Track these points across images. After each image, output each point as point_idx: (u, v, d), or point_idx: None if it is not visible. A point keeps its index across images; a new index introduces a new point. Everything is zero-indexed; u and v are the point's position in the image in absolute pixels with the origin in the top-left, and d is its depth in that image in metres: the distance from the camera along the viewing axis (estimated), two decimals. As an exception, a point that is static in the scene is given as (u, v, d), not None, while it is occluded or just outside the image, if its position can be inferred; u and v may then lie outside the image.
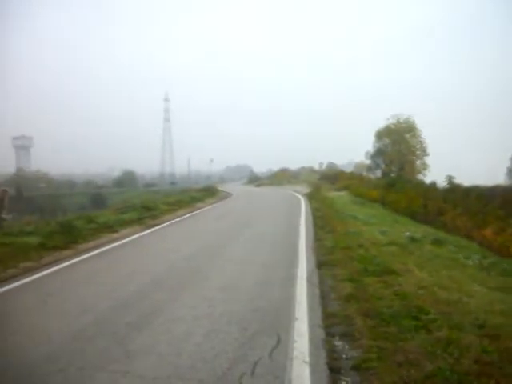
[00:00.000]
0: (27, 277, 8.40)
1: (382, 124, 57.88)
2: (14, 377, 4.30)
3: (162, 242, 12.93)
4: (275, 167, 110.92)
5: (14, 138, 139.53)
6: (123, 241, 12.79)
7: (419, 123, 56.64)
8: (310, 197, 32.00)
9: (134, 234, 14.20)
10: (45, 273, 8.80)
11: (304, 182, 63.59)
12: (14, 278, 8.33)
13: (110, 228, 14.53)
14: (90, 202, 73.03)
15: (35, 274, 8.68)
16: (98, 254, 10.77)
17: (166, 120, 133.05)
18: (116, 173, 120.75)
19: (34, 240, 11.46)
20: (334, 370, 4.34)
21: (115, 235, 13.63)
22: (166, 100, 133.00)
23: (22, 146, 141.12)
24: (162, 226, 16.62)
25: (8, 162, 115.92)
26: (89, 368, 4.37)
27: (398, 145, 56.09)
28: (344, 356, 4.65)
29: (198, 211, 23.33)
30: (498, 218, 18.89)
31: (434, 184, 33.95)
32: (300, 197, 32.92)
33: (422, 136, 56.18)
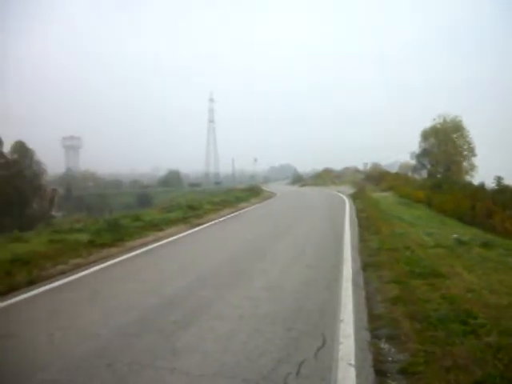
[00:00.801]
0: (76, 273, 8.64)
1: (428, 124, 57.00)
2: (63, 368, 4.42)
3: (206, 241, 13.08)
4: (319, 167, 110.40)
5: (64, 139, 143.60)
6: (169, 239, 13.00)
7: (467, 123, 55.53)
8: (355, 197, 31.74)
9: (179, 232, 14.41)
10: (93, 269, 9.02)
11: (348, 182, 63.02)
12: (63, 274, 8.57)
13: (156, 226, 14.78)
14: (135, 201, 74.48)
15: (84, 270, 8.92)
16: (144, 252, 10.97)
17: (211, 120, 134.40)
18: (161, 172, 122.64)
19: (83, 237, 11.78)
20: (380, 373, 4.28)
21: (161, 234, 13.86)
22: (211, 100, 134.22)
23: (72, 146, 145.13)
24: (206, 225, 16.80)
25: (58, 161, 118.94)
26: (136, 364, 4.44)
27: (445, 145, 55.15)
28: (390, 359, 4.59)
29: (242, 211, 23.50)
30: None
31: (482, 185, 33.16)
32: (344, 197, 32.70)
33: (470, 136, 55.07)
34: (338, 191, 42.19)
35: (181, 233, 14.36)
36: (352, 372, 4.27)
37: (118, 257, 10.27)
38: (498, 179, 29.48)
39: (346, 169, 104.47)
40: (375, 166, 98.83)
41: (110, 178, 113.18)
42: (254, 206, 27.00)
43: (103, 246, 11.18)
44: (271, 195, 39.30)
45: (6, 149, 51.65)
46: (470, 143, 55.29)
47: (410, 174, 61.49)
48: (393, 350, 4.80)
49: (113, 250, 11.02)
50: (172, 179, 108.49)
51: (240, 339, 5.06)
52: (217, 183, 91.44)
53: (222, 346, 4.88)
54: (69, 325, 5.69)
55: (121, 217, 15.70)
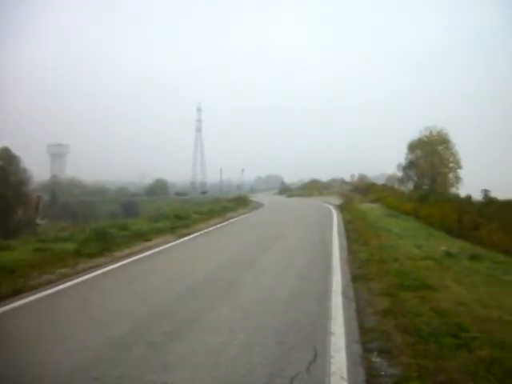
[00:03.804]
0: (63, 283, 8.53)
1: (414, 136, 57.43)
2: (49, 382, 4.33)
3: (195, 251, 13.04)
4: (306, 178, 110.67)
5: (49, 146, 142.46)
6: (157, 249, 12.91)
7: (453, 135, 56.07)
8: (342, 208, 31.81)
9: (167, 242, 14.32)
10: (80, 279, 8.92)
11: (335, 193, 63.20)
12: (50, 283, 8.46)
13: (144, 236, 14.70)
14: (122, 209, 74.00)
15: (71, 280, 8.81)
16: (132, 262, 10.89)
17: (198, 130, 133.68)
18: (148, 181, 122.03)
19: (69, 246, 11.69)
20: (374, 388, 4.25)
21: (149, 243, 13.77)
22: (199, 110, 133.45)
23: (58, 153, 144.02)
24: (194, 235, 16.73)
25: (43, 168, 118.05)
26: (125, 377, 4.35)
27: (431, 157, 55.53)
28: (383, 373, 4.54)
29: (229, 221, 23.45)
30: (536, 233, 18.48)
31: (468, 198, 33.43)
32: (332, 208, 32.74)
33: (456, 148, 55.60)
34: (326, 202, 42.25)
35: (169, 243, 14.27)
36: (345, 387, 4.23)
37: (106, 267, 10.17)
38: (485, 192, 29.78)
39: (333, 180, 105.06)
40: (362, 178, 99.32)
41: (96, 185, 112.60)
42: (241, 216, 26.95)
43: (90, 255, 11.06)
44: (258, 205, 39.27)
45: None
46: (455, 155, 55.79)
47: (396, 185, 61.72)
48: (385, 363, 4.75)
49: (100, 259, 10.90)
50: (158, 188, 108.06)
51: (231, 352, 5.00)
52: (203, 193, 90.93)
53: (214, 359, 4.81)
54: (56, 336, 5.59)
55: (108, 226, 15.54)
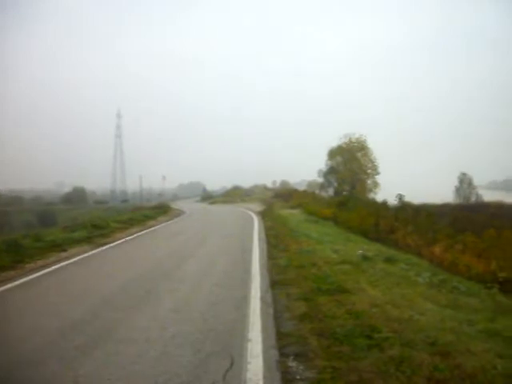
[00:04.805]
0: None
1: (334, 143, 58.87)
2: None
3: (112, 261, 12.73)
4: (228, 185, 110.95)
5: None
6: (72, 260, 12.48)
7: (372, 142, 58.00)
8: (264, 215, 32.06)
9: (83, 253, 13.86)
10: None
11: (257, 199, 63.59)
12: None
13: (59, 247, 14.20)
14: (37, 219, 71.23)
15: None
16: (45, 274, 10.47)
17: (118, 136, 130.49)
18: (66, 189, 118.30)
19: (-23, 259, 11.07)
20: (288, 392, 4.30)
21: (64, 254, 13.30)
22: (118, 116, 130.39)
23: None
24: (112, 244, 16.30)
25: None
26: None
27: (350, 163, 57.10)
28: (298, 377, 4.60)
29: (150, 229, 23.05)
30: (447, 235, 19.37)
31: (385, 202, 34.55)
32: (253, 215, 32.92)
33: (374, 155, 57.48)
34: (247, 208, 42.43)
35: (85, 253, 13.83)
36: (260, 392, 4.25)
37: (17, 280, 9.70)
38: (400, 197, 30.86)
39: (255, 186, 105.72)
40: (284, 184, 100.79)
41: (11, 194, 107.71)
42: (162, 224, 26.59)
43: (1, 268, 10.54)
44: (180, 213, 38.91)
45: None
46: (373, 161, 57.65)
47: (317, 191, 62.94)
48: (301, 367, 4.82)
49: (11, 272, 10.41)
50: (77, 196, 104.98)
51: (147, 363, 4.91)
52: (124, 201, 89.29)
53: (128, 371, 4.71)
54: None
55: (21, 237, 14.91)
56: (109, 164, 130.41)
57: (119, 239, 17.92)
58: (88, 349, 5.37)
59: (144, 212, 32.62)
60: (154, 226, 25.42)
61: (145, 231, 22.06)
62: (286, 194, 59.62)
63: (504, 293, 9.53)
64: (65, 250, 13.84)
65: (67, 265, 11.77)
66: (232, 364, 4.88)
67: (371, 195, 55.57)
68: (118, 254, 14.28)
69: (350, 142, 57.81)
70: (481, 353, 5.09)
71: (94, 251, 14.42)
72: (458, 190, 71.00)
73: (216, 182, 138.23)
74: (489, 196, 65.70)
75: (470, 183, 70.47)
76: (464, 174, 71.46)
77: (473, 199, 65.70)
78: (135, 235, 19.90)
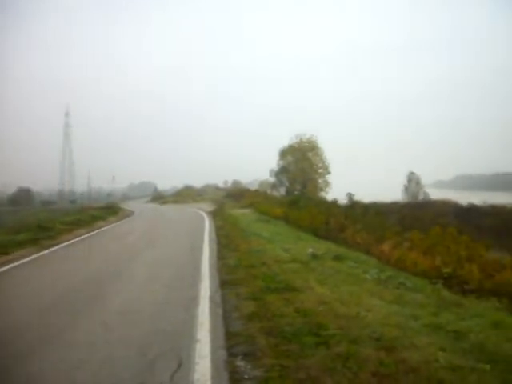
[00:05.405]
0: None
1: (286, 142, 59.20)
2: None
3: (58, 264, 12.41)
4: (180, 185, 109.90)
5: None
6: (16, 263, 12.11)
7: (323, 143, 58.64)
8: (215, 214, 31.98)
9: (28, 255, 13.46)
10: None
11: (209, 199, 63.39)
12: None
13: (3, 248, 13.71)
14: (-20, 222, 68.75)
15: None
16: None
17: (67, 135, 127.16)
18: (11, 190, 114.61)
19: None
20: (236, 392, 4.28)
21: (8, 257, 12.91)
22: (67, 114, 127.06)
23: None
24: (59, 246, 15.94)
25: None
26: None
27: (301, 163, 57.51)
28: (246, 376, 4.59)
29: (98, 231, 22.64)
30: (395, 233, 19.77)
31: (335, 201, 35.01)
32: (204, 215, 32.79)
33: (324, 155, 58.12)
34: (199, 208, 42.24)
35: (30, 256, 13.44)
36: (208, 393, 4.22)
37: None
38: (350, 195, 31.35)
39: (207, 186, 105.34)
40: (236, 184, 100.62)
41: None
42: (111, 225, 26.18)
43: None
44: (130, 214, 38.38)
45: None
46: (324, 161, 58.26)
47: (269, 191, 63.11)
48: (249, 366, 4.81)
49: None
50: (22, 197, 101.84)
51: (91, 368, 4.80)
52: (72, 201, 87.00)
53: (70, 378, 4.59)
54: None
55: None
56: (57, 164, 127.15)
57: (66, 241, 17.54)
58: (28, 356, 5.20)
59: (92, 213, 31.95)
60: (102, 227, 25.01)
61: (93, 232, 21.67)
62: (238, 194, 59.52)
63: (448, 288, 9.80)
64: (7, 254, 13.38)
65: (10, 268, 11.41)
66: (180, 365, 4.84)
67: (322, 194, 56.16)
68: (63, 257, 13.95)
69: (302, 142, 58.25)
70: (425, 347, 5.20)
71: (39, 253, 14.03)
72: (406, 188, 72.36)
73: (167, 182, 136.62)
74: (435, 194, 67.23)
75: (418, 182, 71.87)
76: (412, 173, 72.78)
77: (421, 197, 67.11)
78: (83, 236, 19.49)
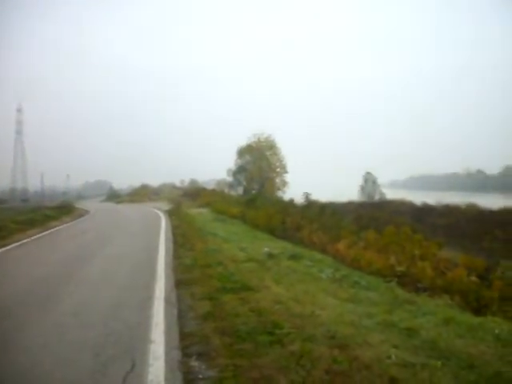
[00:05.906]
0: None
1: (243, 142, 59.26)
2: None
3: (8, 265, 12.13)
4: (136, 183, 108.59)
5: None
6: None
7: (281, 142, 59.01)
8: (171, 214, 31.70)
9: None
10: None
11: (165, 198, 62.76)
12: None
13: None
14: None
15: None
16: None
17: (19, 132, 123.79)
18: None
19: None
20: (190, 392, 4.26)
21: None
22: (19, 111, 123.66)
23: None
24: (9, 247, 15.55)
25: None
26: None
27: (259, 162, 57.67)
28: (200, 376, 4.58)
29: (51, 230, 22.15)
30: (351, 232, 19.99)
31: (292, 201, 35.15)
32: (161, 214, 32.49)
33: (282, 154, 58.47)
34: (155, 208, 41.77)
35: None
36: (162, 395, 4.19)
37: None
38: (306, 195, 31.50)
39: (164, 185, 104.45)
40: (193, 183, 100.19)
41: None
42: (65, 225, 25.63)
43: None
44: (85, 213, 37.67)
45: None
46: (281, 160, 58.61)
47: (226, 190, 63.02)
48: (203, 366, 4.80)
49: None
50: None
51: (42, 372, 4.69)
52: (24, 200, 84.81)
53: (22, 382, 4.47)
54: None
55: None
56: (8, 161, 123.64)
57: (18, 241, 17.10)
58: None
59: (45, 212, 31.22)
60: (56, 226, 24.49)
61: (46, 232, 21.17)
62: (195, 193, 59.25)
63: (402, 286, 9.97)
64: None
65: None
66: (133, 367, 4.79)
67: (280, 194, 56.43)
68: (14, 258, 13.61)
69: (259, 141, 58.42)
70: (377, 344, 5.29)
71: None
72: (363, 188, 73.44)
73: (123, 181, 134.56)
74: (391, 194, 68.46)
75: (374, 182, 73.07)
76: (369, 173, 73.97)
77: (377, 197, 68.19)
78: (36, 236, 19.04)
